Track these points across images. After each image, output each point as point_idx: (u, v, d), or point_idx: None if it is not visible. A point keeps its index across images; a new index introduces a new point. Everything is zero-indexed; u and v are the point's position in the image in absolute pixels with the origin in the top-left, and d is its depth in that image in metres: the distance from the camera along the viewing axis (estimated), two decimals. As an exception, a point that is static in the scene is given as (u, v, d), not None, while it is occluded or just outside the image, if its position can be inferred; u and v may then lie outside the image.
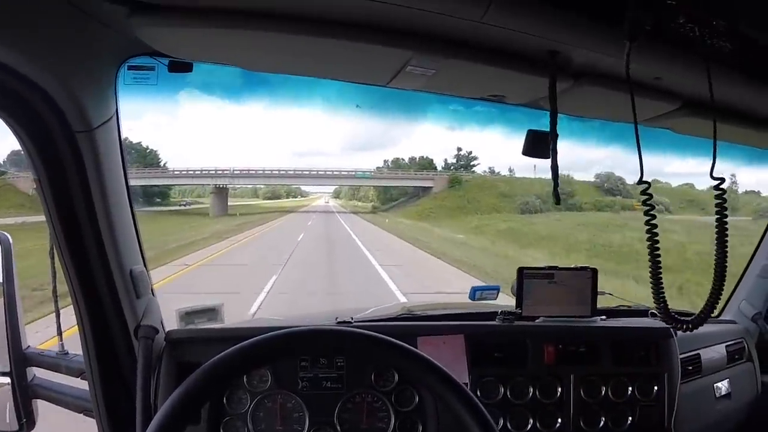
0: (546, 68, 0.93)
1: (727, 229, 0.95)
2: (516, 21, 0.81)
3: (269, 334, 0.81)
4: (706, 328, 1.63)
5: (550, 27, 0.83)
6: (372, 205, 41.99)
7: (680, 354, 1.41)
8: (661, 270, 0.95)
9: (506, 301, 1.50)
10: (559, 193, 0.92)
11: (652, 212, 0.92)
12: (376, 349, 0.84)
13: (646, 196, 0.91)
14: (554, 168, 0.91)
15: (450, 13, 0.77)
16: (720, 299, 1.00)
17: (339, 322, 1.30)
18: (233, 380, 1.16)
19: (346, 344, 0.85)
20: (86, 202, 0.98)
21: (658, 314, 1.00)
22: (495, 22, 0.79)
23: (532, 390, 1.30)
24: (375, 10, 0.78)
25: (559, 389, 1.31)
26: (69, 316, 1.12)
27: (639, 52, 0.82)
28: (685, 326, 1.03)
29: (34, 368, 1.20)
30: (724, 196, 0.95)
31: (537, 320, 1.37)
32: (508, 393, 1.29)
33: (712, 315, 1.75)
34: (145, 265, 1.15)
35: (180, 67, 1.01)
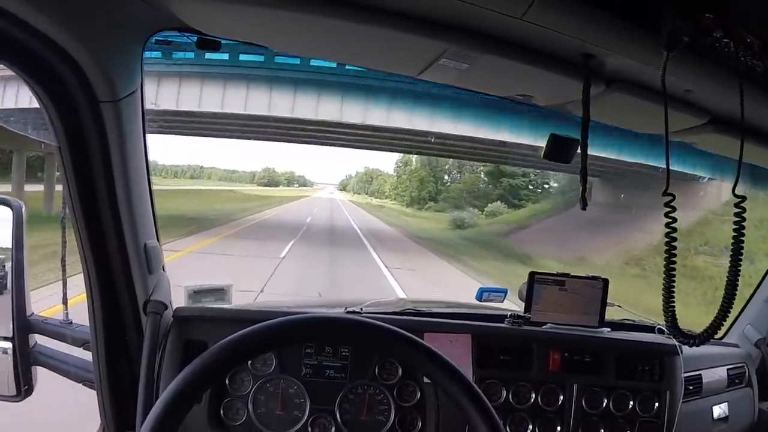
0: (579, 71, 0.92)
1: (743, 249, 0.96)
2: (555, 21, 0.79)
3: (292, 317, 0.80)
4: (709, 350, 1.63)
5: (588, 29, 0.82)
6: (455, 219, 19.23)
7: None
8: (674, 284, 0.95)
9: (509, 306, 1.45)
10: (585, 198, 0.91)
11: (673, 225, 0.93)
12: (401, 345, 0.83)
13: (670, 209, 0.92)
14: (583, 173, 0.91)
15: (491, 8, 0.76)
16: (727, 319, 1.00)
17: (348, 312, 1.29)
18: (249, 360, 1.16)
19: (369, 337, 0.84)
20: (106, 173, 0.97)
21: (666, 328, 1.01)
22: (534, 20, 0.77)
23: (534, 396, 1.29)
24: None
25: (561, 397, 1.31)
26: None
27: (673, 62, 0.81)
28: (691, 342, 1.03)
29: (36, 335, 1.19)
30: (744, 215, 0.95)
31: (544, 326, 1.36)
32: (510, 397, 1.28)
33: (717, 337, 1.76)
34: (158, 241, 1.14)
35: (208, 44, 1.00)
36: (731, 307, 0.98)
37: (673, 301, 0.96)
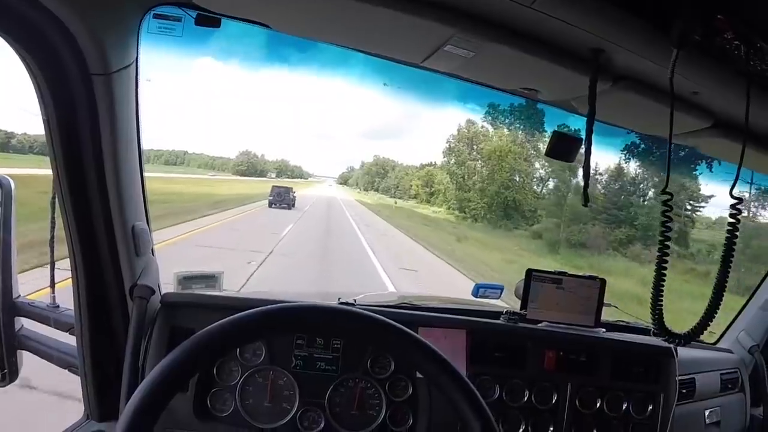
0: (586, 66, 0.90)
1: (734, 250, 0.96)
2: (566, 12, 0.77)
3: (285, 305, 0.77)
4: (703, 354, 1.63)
5: (599, 23, 0.80)
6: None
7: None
8: (664, 283, 0.96)
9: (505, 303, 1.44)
10: (587, 194, 0.89)
11: (668, 224, 0.94)
12: (393, 337, 0.80)
13: (667, 208, 0.93)
14: (586, 169, 0.90)
15: None
16: (713, 319, 1.00)
17: (342, 303, 1.27)
18: (238, 347, 1.13)
19: (363, 328, 0.81)
20: (94, 149, 0.95)
21: (652, 326, 1.00)
22: (545, 9, 0.76)
23: (528, 394, 1.28)
24: None
25: (555, 396, 1.30)
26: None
27: (682, 62, 0.80)
28: (676, 341, 1.04)
29: (22, 319, 1.16)
30: (739, 216, 0.96)
31: (540, 324, 1.35)
32: (503, 394, 1.27)
33: (711, 342, 1.75)
34: (148, 223, 1.11)
35: (208, 21, 0.97)
36: (718, 309, 0.99)
37: (661, 301, 0.96)
